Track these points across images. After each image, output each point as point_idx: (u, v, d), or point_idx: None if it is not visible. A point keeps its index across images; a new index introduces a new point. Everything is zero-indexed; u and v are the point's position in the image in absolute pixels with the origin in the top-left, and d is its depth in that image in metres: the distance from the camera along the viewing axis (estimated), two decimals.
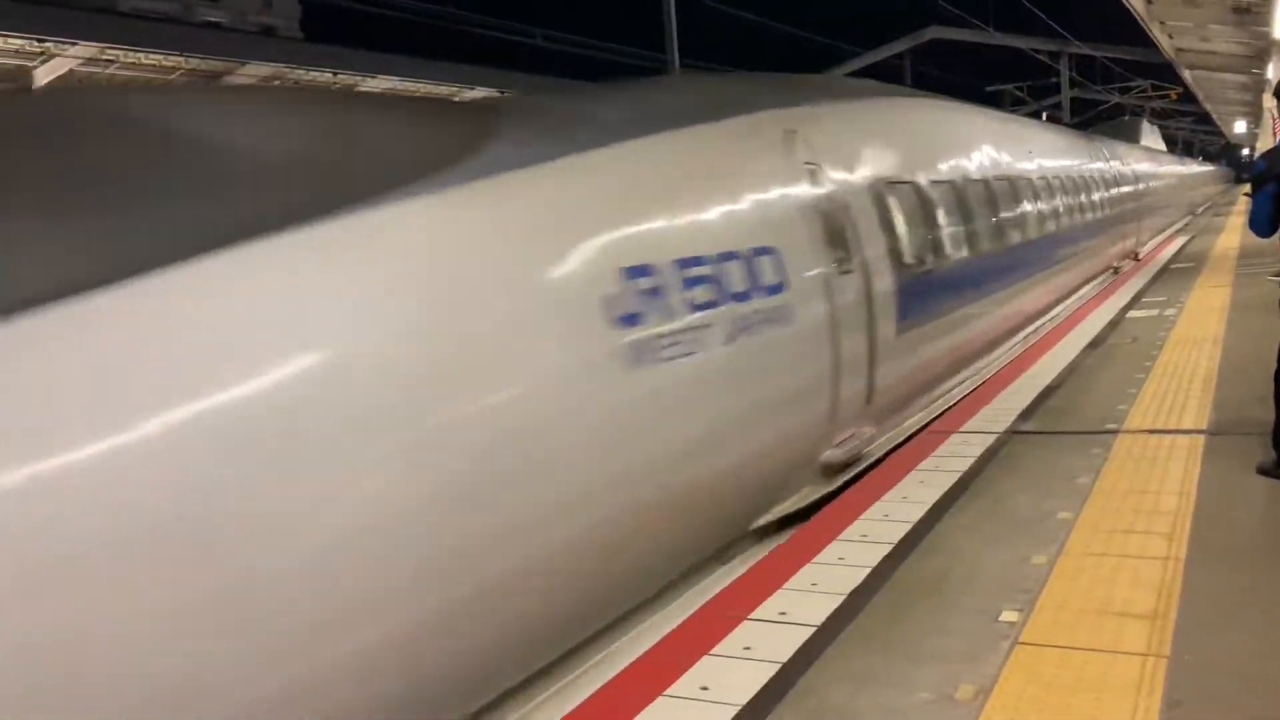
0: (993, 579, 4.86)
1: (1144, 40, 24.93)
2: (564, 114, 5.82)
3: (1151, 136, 40.66)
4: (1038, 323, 13.80)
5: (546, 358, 4.30)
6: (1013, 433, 7.66)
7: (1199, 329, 11.68)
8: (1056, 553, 5.11)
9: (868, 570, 5.07)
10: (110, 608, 2.90)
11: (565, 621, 4.58)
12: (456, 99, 18.71)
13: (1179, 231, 36.07)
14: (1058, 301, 15.31)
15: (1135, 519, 5.52)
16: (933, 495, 6.21)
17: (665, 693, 3.99)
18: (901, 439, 7.64)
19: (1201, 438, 7.03)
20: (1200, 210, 48.11)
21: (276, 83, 19.03)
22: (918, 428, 7.90)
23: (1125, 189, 23.09)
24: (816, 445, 6.57)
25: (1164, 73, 40.68)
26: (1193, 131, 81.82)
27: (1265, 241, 6.76)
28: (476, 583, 3.95)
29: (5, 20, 15.45)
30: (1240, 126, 50.73)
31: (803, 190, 6.53)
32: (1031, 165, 14.07)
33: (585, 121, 5.62)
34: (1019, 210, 12.27)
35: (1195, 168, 62.11)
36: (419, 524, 3.69)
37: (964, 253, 9.59)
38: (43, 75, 16.52)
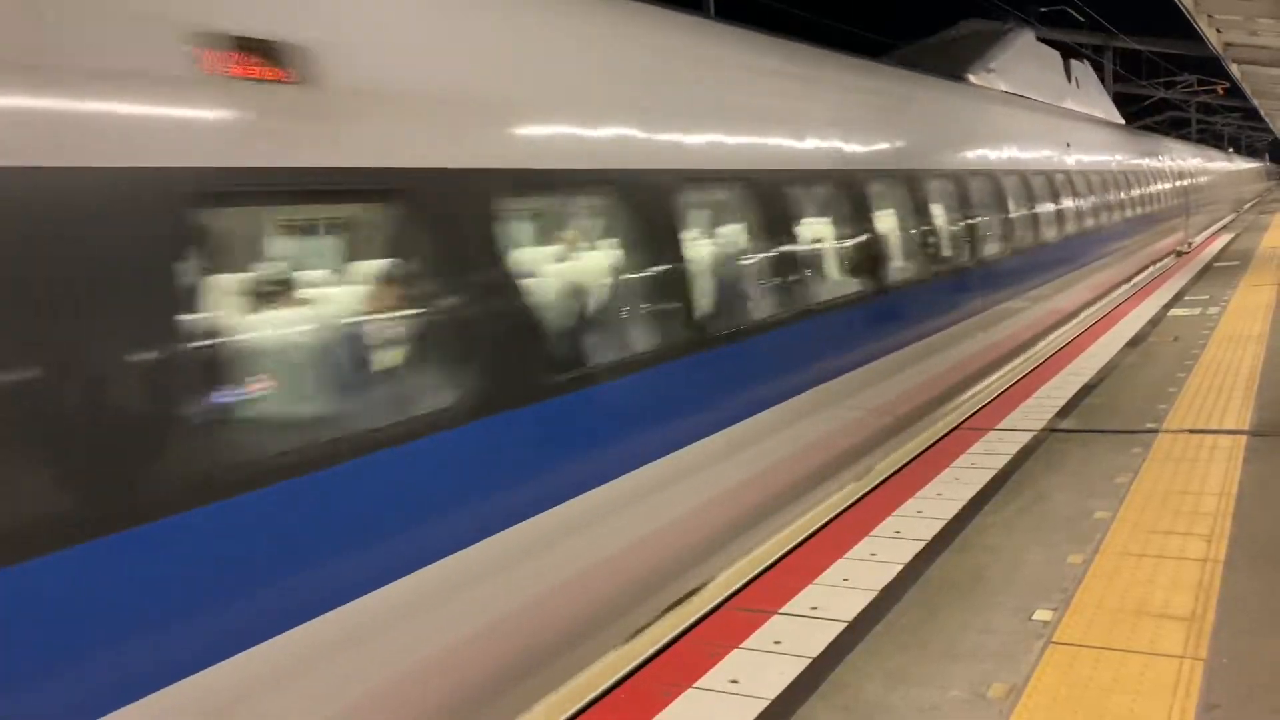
0: (1028, 577, 4.82)
1: (1191, 34, 24.49)
2: None
3: (1061, 82, 18.89)
4: None
5: None
6: (1051, 430, 7.59)
7: (1242, 328, 11.50)
8: (1093, 552, 5.06)
9: (900, 566, 5.04)
10: None
11: None
12: None
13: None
14: None
15: (1175, 519, 5.45)
16: (968, 492, 6.17)
17: (695, 684, 3.99)
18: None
19: (1243, 438, 6.92)
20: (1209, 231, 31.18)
21: None
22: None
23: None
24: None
25: (1211, 67, 39.85)
26: (1239, 127, 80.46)
27: None
28: None
29: None
30: None
31: None
32: None
33: None
34: None
35: (1219, 163, 42.55)
36: None
37: None
38: None
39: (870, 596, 4.70)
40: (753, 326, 6.15)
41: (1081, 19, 32.58)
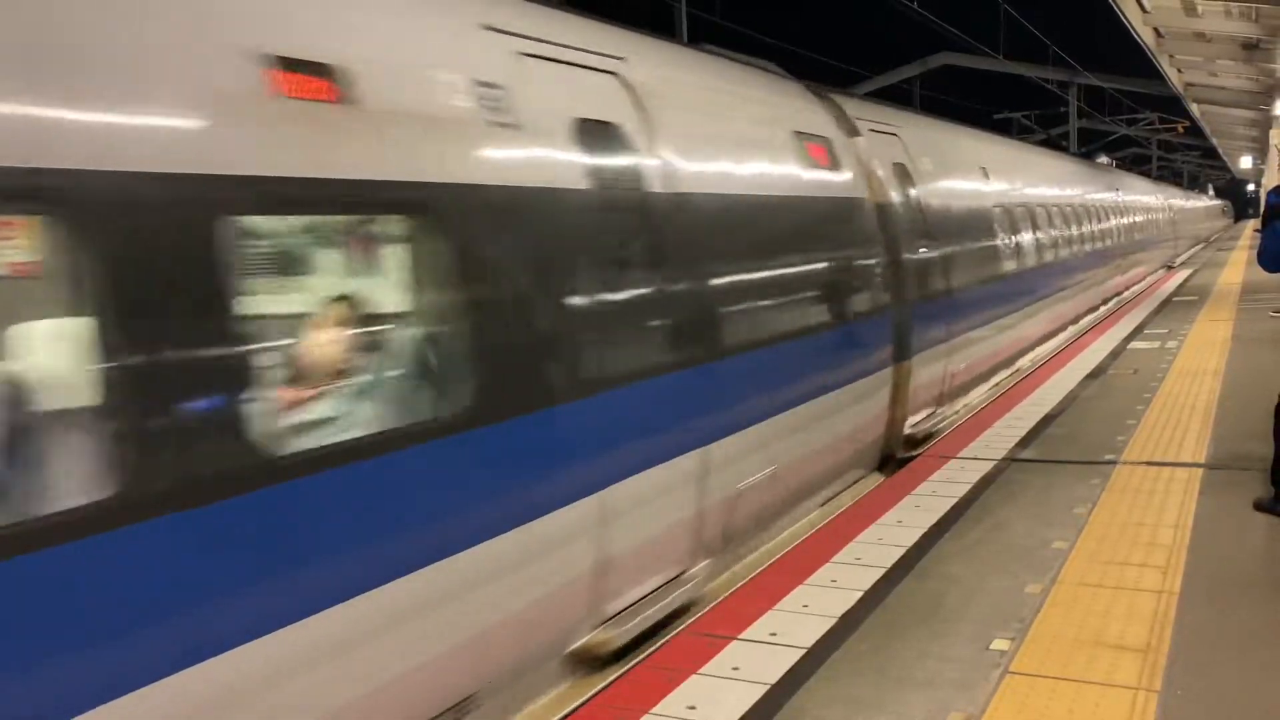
0: (986, 606, 4.83)
1: (1153, 73, 24.99)
2: None
3: None
4: None
5: None
6: (1012, 460, 7.63)
7: (1200, 362, 11.66)
8: (1051, 582, 5.08)
9: (860, 593, 5.04)
10: None
11: None
12: None
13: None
14: None
15: (1132, 551, 5.49)
16: (928, 520, 6.18)
17: (652, 710, 3.96)
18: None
19: (1199, 471, 7.00)
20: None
21: None
22: None
23: None
24: None
25: (1172, 106, 40.66)
26: (1199, 165, 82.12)
27: (1270, 277, 6.76)
28: None
29: None
30: (1246, 162, 50.82)
31: None
32: None
33: None
34: None
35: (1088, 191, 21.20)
36: None
37: None
38: None
39: (830, 623, 4.69)
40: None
41: (1047, 55, 33.16)
